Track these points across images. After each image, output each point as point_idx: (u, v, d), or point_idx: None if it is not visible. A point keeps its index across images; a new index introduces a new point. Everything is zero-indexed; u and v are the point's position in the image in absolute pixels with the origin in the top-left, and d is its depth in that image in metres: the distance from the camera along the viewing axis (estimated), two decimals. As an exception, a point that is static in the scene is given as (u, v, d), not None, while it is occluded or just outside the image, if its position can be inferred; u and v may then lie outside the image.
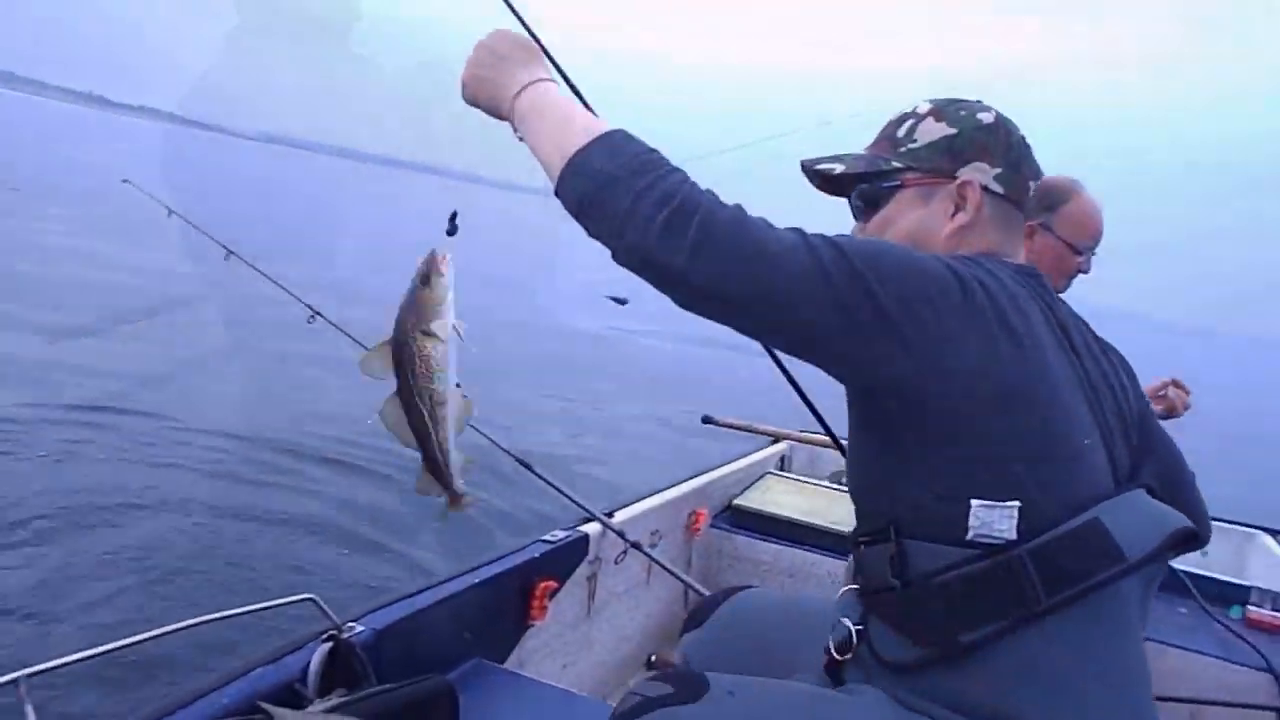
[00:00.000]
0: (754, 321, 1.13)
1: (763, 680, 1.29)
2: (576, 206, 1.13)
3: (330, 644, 1.54)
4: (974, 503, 1.09)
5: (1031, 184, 1.32)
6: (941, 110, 1.31)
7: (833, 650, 1.29)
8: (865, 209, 1.34)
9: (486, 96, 1.28)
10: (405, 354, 1.24)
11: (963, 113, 1.30)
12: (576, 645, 2.48)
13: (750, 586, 1.76)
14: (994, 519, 1.09)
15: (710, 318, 1.12)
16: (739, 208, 1.10)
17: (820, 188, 1.42)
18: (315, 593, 1.61)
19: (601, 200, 1.11)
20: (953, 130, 1.29)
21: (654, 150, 1.14)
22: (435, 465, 1.30)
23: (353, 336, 2.82)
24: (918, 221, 1.29)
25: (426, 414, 1.27)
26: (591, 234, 1.14)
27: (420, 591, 1.86)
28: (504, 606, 2.10)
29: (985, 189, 1.27)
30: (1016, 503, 1.09)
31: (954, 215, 1.27)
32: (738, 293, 1.07)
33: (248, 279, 3.01)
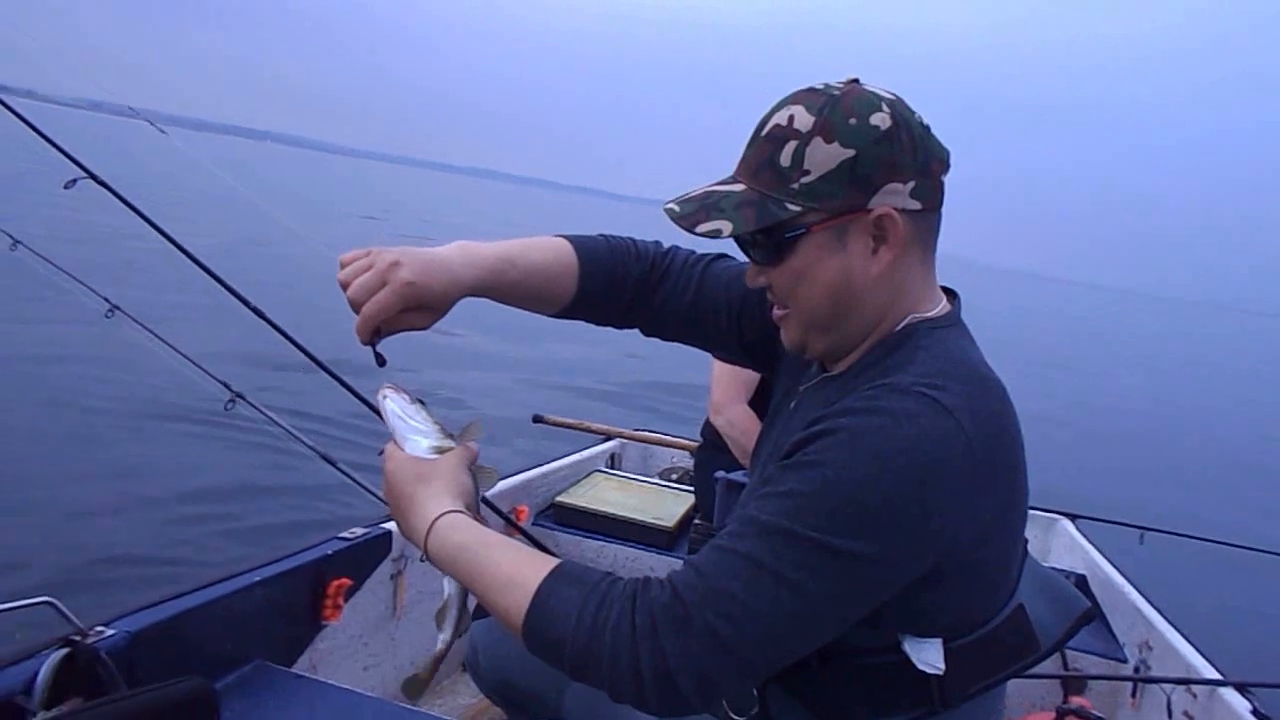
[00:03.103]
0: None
1: None
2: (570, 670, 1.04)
3: (66, 650, 1.40)
4: (904, 637, 1.04)
5: (943, 178, 1.12)
6: (829, 124, 1.05)
7: None
8: (767, 259, 1.13)
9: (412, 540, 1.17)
10: None
11: (853, 122, 1.05)
12: (380, 647, 2.36)
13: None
14: (924, 652, 1.04)
15: None
16: (683, 616, 0.96)
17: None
18: (62, 597, 1.46)
19: (581, 671, 1.02)
20: (850, 152, 1.04)
21: (583, 608, 1.01)
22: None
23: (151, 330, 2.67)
24: (839, 271, 1.09)
25: None
26: None
27: (188, 592, 1.72)
28: (291, 606, 1.97)
29: (904, 211, 1.07)
30: (940, 639, 1.04)
31: (876, 251, 1.08)
32: (768, 673, 1.01)
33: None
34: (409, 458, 1.17)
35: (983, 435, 0.98)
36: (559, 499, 3.25)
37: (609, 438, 4.09)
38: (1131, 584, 2.92)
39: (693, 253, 1.48)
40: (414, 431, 1.19)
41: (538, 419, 4.16)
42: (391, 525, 2.34)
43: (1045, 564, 3.13)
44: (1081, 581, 3.05)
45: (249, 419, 2.58)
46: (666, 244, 1.48)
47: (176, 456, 5.59)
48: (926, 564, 0.98)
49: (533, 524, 3.13)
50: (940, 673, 1.03)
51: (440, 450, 1.18)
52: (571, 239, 1.40)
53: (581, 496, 3.29)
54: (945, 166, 1.12)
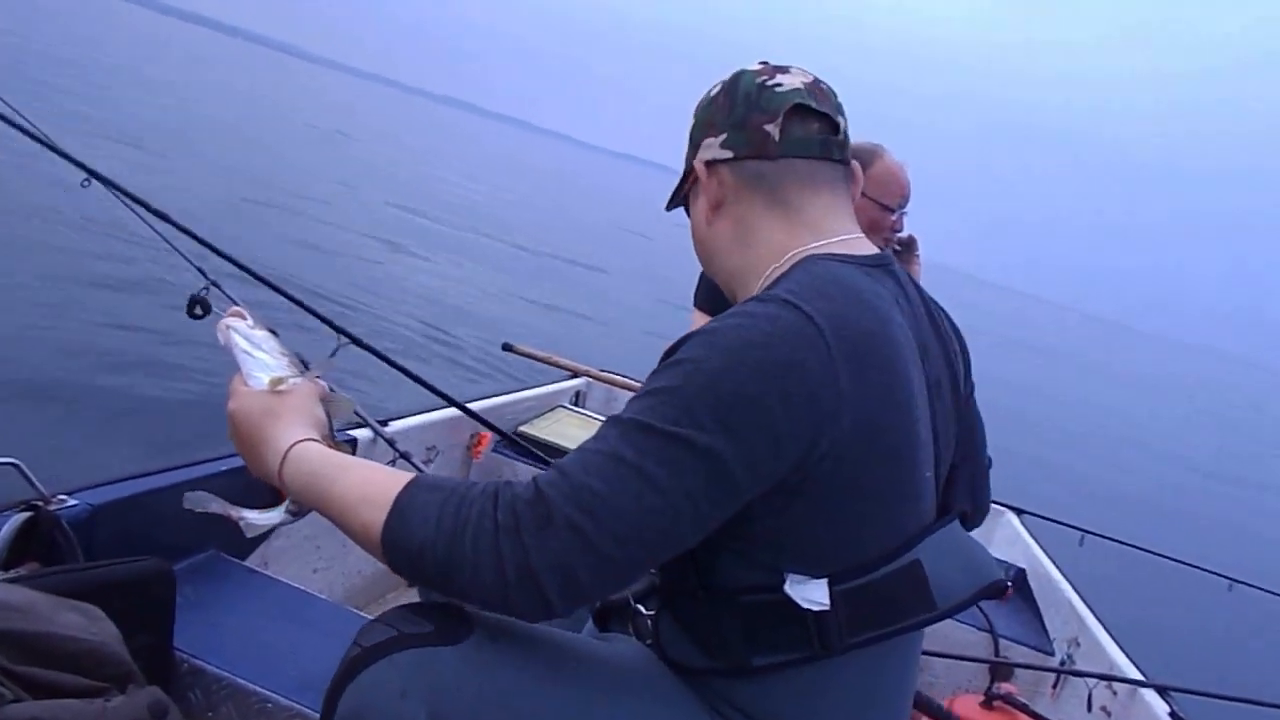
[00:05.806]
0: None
1: (530, 627, 1.16)
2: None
3: (29, 514, 1.38)
4: (788, 575, 1.04)
5: (769, 126, 1.15)
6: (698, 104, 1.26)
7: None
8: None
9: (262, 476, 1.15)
10: None
11: (703, 96, 1.24)
12: (331, 551, 2.36)
13: None
14: (808, 590, 1.03)
15: None
16: (545, 514, 0.95)
17: None
18: (29, 460, 1.44)
19: (444, 577, 0.99)
20: (692, 121, 1.24)
21: (442, 510, 0.98)
22: None
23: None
24: (696, 225, 1.26)
25: None
26: None
27: (155, 472, 1.70)
28: (251, 500, 1.96)
29: (714, 163, 1.19)
30: (826, 580, 1.03)
31: (709, 204, 1.22)
32: (632, 575, 1.02)
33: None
34: (254, 393, 1.14)
35: (846, 348, 0.99)
36: (521, 429, 3.24)
37: (576, 375, 4.09)
38: (1069, 582, 3.00)
39: None
40: (260, 367, 1.15)
41: (507, 347, 4.15)
42: (358, 433, 2.33)
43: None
44: (1021, 575, 3.12)
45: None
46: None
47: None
48: (784, 466, 0.97)
49: (493, 451, 3.12)
50: (823, 610, 1.02)
51: (281, 381, 1.14)
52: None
53: (544, 429, 3.30)
54: (771, 117, 1.15)
